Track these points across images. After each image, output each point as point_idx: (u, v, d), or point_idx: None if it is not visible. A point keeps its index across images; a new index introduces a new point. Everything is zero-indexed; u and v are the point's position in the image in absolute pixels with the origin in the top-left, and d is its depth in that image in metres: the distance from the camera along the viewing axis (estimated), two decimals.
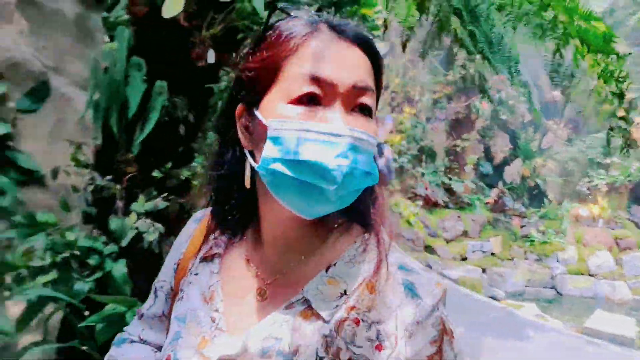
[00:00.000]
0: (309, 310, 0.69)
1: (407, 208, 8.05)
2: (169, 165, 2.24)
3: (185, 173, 2.27)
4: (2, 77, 2.62)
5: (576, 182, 10.13)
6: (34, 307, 2.06)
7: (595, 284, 7.99)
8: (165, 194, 2.25)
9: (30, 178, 2.63)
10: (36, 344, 2.05)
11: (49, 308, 2.10)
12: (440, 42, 2.68)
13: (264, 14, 2.08)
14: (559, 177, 10.17)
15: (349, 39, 0.69)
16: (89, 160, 2.42)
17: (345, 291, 0.69)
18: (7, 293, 2.17)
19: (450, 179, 8.96)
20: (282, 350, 0.67)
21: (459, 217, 8.46)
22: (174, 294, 0.87)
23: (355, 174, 0.65)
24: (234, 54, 2.33)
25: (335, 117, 0.65)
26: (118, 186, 2.20)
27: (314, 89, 0.66)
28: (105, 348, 1.01)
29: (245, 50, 0.78)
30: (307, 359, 0.66)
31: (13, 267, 2.29)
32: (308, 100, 0.66)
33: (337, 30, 0.69)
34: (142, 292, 1.70)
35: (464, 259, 7.79)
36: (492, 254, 8.23)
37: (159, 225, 2.19)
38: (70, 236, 2.17)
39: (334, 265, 0.72)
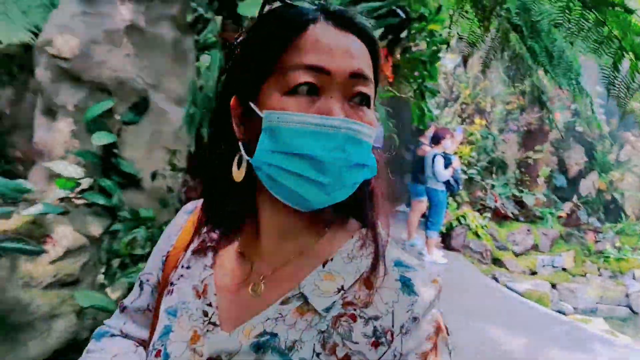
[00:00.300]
0: (306, 306, 0.68)
1: (475, 220, 7.97)
2: None
3: None
4: (111, 93, 3.05)
5: None
6: None
7: None
8: None
9: (131, 181, 3.03)
10: None
11: None
12: (502, 56, 2.83)
13: None
14: (637, 192, 9.67)
15: (347, 28, 0.68)
16: (182, 165, 2.77)
17: (342, 287, 0.69)
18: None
19: (521, 191, 8.77)
20: (278, 346, 0.66)
21: (529, 230, 8.26)
22: (161, 287, 0.84)
23: (352, 167, 0.65)
24: None
25: (332, 108, 0.64)
26: None
27: (310, 79, 0.64)
28: None
29: (239, 39, 0.74)
30: (303, 355, 0.65)
31: (118, 255, 2.68)
32: (304, 90, 0.65)
33: (334, 19, 0.68)
34: None
35: (534, 273, 7.59)
36: (564, 269, 7.96)
37: None
38: None
39: (331, 260, 0.71)
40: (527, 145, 9.19)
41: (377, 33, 2.66)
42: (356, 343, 0.65)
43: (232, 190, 0.76)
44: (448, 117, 9.61)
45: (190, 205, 0.91)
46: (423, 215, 7.67)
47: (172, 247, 0.85)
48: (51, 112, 3.09)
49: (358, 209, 0.75)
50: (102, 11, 2.94)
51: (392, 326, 0.66)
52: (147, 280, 0.89)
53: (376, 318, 0.66)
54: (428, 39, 4.16)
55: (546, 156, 9.25)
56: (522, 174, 9.16)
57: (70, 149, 3.02)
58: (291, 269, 0.72)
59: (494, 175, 9.16)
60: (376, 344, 0.65)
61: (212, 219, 0.80)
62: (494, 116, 9.62)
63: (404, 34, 4.07)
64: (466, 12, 2.62)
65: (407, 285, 0.69)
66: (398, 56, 4.11)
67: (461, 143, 9.06)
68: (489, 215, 8.44)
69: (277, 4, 0.72)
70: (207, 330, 0.71)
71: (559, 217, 8.92)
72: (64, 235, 2.72)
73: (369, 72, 0.68)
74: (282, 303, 0.69)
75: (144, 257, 2.47)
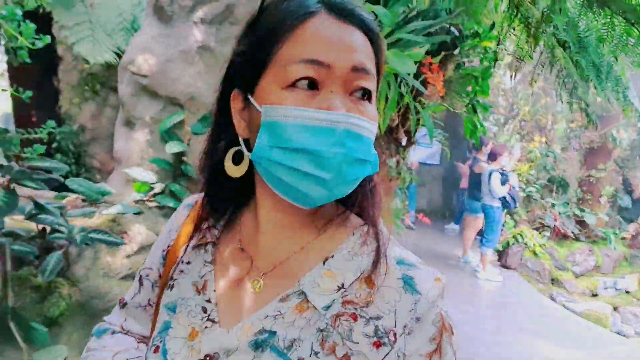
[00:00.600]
0: (305, 303, 0.67)
1: (533, 238, 7.81)
2: None
3: None
4: (183, 107, 3.36)
5: None
6: None
7: None
8: None
9: (197, 186, 3.31)
10: None
11: None
12: (551, 71, 2.91)
13: (386, 52, 2.50)
14: None
15: (349, 21, 0.66)
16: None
17: (342, 285, 0.67)
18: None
19: (582, 210, 8.51)
20: (276, 344, 0.64)
21: (590, 250, 7.98)
22: (162, 283, 0.83)
23: (353, 162, 0.64)
24: None
25: (332, 103, 0.63)
26: None
27: (310, 73, 0.63)
28: None
29: (241, 32, 0.73)
30: (302, 354, 0.64)
31: None
32: (304, 85, 0.64)
33: (336, 11, 0.66)
34: None
35: (595, 295, 7.33)
36: (627, 291, 7.65)
37: None
38: None
39: (332, 257, 0.70)
40: (589, 163, 8.93)
41: (425, 49, 2.82)
42: (356, 343, 0.64)
43: (232, 186, 0.75)
44: (507, 135, 9.51)
45: (190, 199, 0.89)
46: (479, 233, 7.64)
47: (172, 241, 0.84)
48: (130, 124, 3.44)
49: (359, 205, 0.74)
50: (178, 33, 3.28)
51: (395, 326, 0.64)
52: (147, 276, 0.88)
53: (378, 318, 0.65)
54: (481, 55, 4.26)
55: (609, 175, 8.93)
56: (584, 192, 8.88)
57: (146, 157, 3.35)
58: (291, 265, 0.71)
59: (554, 194, 8.94)
60: (378, 344, 0.63)
61: (213, 214, 0.80)
62: (555, 134, 9.42)
63: (456, 51, 4.19)
64: (513, 29, 2.73)
65: (409, 284, 0.67)
66: (451, 72, 4.24)
67: (519, 160, 8.94)
68: (547, 234, 8.24)
69: None
70: (206, 327, 0.70)
71: (623, 238, 8.56)
72: (138, 232, 3.03)
73: (370, 66, 0.67)
74: (281, 300, 0.68)
75: None
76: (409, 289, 0.66)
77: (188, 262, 0.79)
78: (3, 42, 1.58)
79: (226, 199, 0.78)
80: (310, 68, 0.63)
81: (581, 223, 8.47)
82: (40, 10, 3.84)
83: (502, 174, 7.02)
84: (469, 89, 4.09)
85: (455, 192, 10.43)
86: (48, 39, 1.94)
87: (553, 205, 8.63)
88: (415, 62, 2.58)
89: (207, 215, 0.80)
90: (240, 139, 0.71)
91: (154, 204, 3.32)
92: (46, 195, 3.18)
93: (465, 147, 10.01)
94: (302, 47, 0.64)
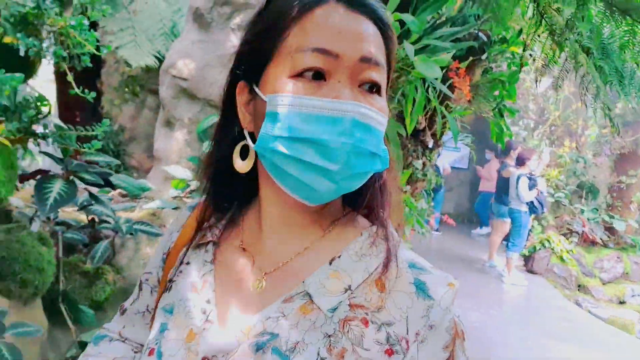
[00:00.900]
0: (310, 305, 0.64)
1: (561, 244, 7.77)
2: None
3: None
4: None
5: None
6: None
7: None
8: None
9: None
10: None
11: None
12: (575, 77, 2.98)
13: (414, 57, 2.62)
14: None
15: (358, 10, 0.64)
16: None
17: (349, 286, 0.65)
18: None
19: (612, 217, 8.41)
20: (279, 346, 0.61)
21: (619, 257, 7.87)
22: (161, 286, 0.80)
23: (362, 153, 0.61)
24: None
25: (340, 92, 0.60)
26: None
27: (318, 63, 0.61)
28: None
29: (248, 21, 0.71)
30: (306, 358, 0.61)
31: None
32: (311, 74, 0.61)
33: (345, 0, 0.64)
34: None
35: (622, 302, 7.24)
36: None
37: None
38: None
39: (338, 257, 0.67)
40: (619, 169, 8.81)
41: (451, 55, 2.93)
42: (367, 350, 0.61)
43: (236, 183, 0.74)
44: (536, 140, 9.46)
45: (193, 202, 0.87)
46: (506, 237, 7.65)
47: (173, 244, 0.82)
48: (170, 124, 3.64)
49: (368, 205, 0.71)
50: (216, 39, 3.46)
51: (407, 333, 0.62)
52: (147, 280, 0.86)
53: (389, 324, 0.62)
54: (509, 60, 4.34)
55: None
56: (614, 199, 8.77)
57: (184, 155, 3.54)
58: (295, 266, 0.69)
59: (583, 200, 8.86)
60: (390, 352, 0.61)
61: (215, 213, 0.78)
62: (586, 139, 9.33)
63: (484, 56, 4.28)
64: (538, 35, 2.82)
65: (422, 289, 0.64)
66: (478, 76, 4.32)
67: (548, 165, 8.89)
68: (575, 240, 8.18)
69: None
70: (204, 328, 0.67)
71: None
72: None
73: (380, 57, 0.64)
74: (285, 301, 0.65)
75: None
76: (422, 294, 0.64)
77: (188, 263, 0.76)
78: (53, 49, 1.76)
79: (230, 197, 0.77)
80: (318, 57, 0.61)
81: (610, 229, 8.36)
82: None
83: (530, 178, 7.02)
84: (496, 93, 4.16)
85: (476, 196, 10.42)
86: (112, 46, 2.12)
87: (582, 211, 8.55)
88: (442, 67, 2.69)
89: (209, 215, 0.78)
90: (246, 132, 0.69)
91: (190, 200, 3.50)
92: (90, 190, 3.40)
93: (491, 151, 10.00)
94: (310, 35, 0.62)
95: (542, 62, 3.04)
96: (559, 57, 2.84)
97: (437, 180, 4.22)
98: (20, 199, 2.46)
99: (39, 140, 1.82)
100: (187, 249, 0.77)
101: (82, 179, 1.98)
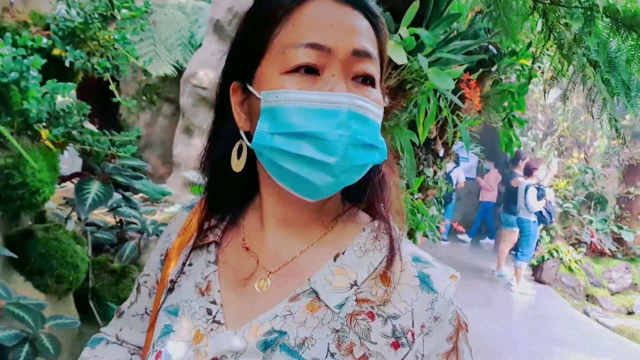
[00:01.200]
0: (317, 302, 0.64)
1: (569, 254, 7.82)
2: None
3: None
4: None
5: None
6: None
7: None
8: None
9: None
10: None
11: None
12: (583, 89, 3.09)
13: (427, 70, 2.73)
14: None
15: (349, 3, 0.64)
16: None
17: (355, 282, 0.65)
18: None
19: (620, 227, 8.44)
20: (287, 344, 0.62)
21: (627, 268, 7.90)
22: (160, 287, 0.80)
23: (359, 145, 0.60)
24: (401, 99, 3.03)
25: (334, 85, 0.60)
26: None
27: (310, 59, 0.61)
28: None
29: (239, 21, 0.71)
30: (315, 354, 0.61)
31: None
32: (304, 70, 0.61)
33: None
34: None
35: (630, 312, 7.26)
36: None
37: None
38: None
39: (343, 253, 0.68)
40: (628, 180, 8.86)
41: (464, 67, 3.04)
42: (375, 343, 0.62)
43: (235, 183, 0.73)
44: (545, 150, 9.53)
45: (189, 202, 0.87)
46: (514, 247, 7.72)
47: (171, 244, 0.81)
48: (189, 131, 3.77)
49: (368, 200, 0.71)
50: None
51: (413, 326, 0.63)
52: (145, 282, 0.85)
53: (395, 317, 0.63)
54: (518, 72, 4.46)
55: None
56: (622, 210, 8.80)
57: None
58: (299, 263, 0.69)
59: (591, 210, 8.90)
60: (397, 345, 0.62)
61: (215, 214, 0.77)
62: (595, 150, 9.39)
63: (494, 68, 4.39)
64: (547, 49, 2.93)
65: (426, 282, 0.65)
66: (488, 88, 4.44)
67: (557, 176, 8.95)
68: (584, 250, 8.22)
69: None
70: (211, 329, 0.67)
71: None
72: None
73: (373, 49, 0.65)
74: (291, 299, 0.65)
75: None
76: (426, 287, 0.65)
77: (190, 264, 0.76)
78: (97, 61, 1.89)
79: (229, 197, 0.76)
80: (311, 53, 0.61)
81: (619, 240, 8.39)
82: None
83: (538, 188, 7.10)
84: (506, 104, 4.27)
85: (478, 206, 10.50)
86: (153, 59, 2.27)
87: (590, 222, 8.59)
88: (454, 79, 2.80)
89: (209, 215, 0.77)
90: (242, 132, 0.69)
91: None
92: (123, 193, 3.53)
93: (503, 161, 10.08)
94: (301, 30, 0.62)
95: (550, 74, 3.15)
96: (567, 70, 2.95)
97: (447, 188, 4.31)
98: (50, 200, 2.60)
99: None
100: (188, 250, 0.77)
101: (115, 182, 2.11)
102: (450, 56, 2.92)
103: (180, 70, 4.63)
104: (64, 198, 2.65)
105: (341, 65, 0.61)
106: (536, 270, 8.01)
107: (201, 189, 0.78)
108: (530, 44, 3.98)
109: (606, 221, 8.61)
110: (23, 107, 1.63)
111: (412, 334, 0.62)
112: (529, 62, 4.28)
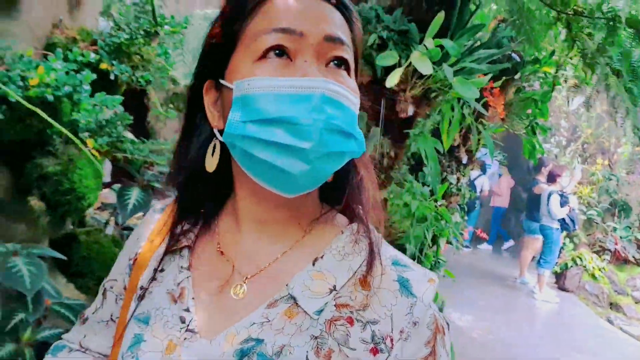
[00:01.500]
0: (295, 308, 0.63)
1: (593, 261, 7.74)
2: None
3: (384, 194, 3.08)
4: None
5: None
6: None
7: None
8: None
9: None
10: None
11: None
12: (607, 96, 3.12)
13: (452, 79, 2.79)
14: None
15: None
16: None
17: (334, 286, 0.64)
18: None
19: None
20: (265, 352, 0.60)
21: None
22: (128, 293, 0.76)
23: (334, 130, 0.59)
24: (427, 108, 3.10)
25: (307, 70, 0.59)
26: None
27: (281, 41, 0.60)
28: None
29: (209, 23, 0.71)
30: None
31: None
32: (276, 54, 0.60)
33: None
34: None
35: None
36: None
37: None
38: None
39: (321, 258, 0.66)
40: None
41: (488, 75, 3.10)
42: (354, 349, 0.61)
43: (208, 184, 0.71)
44: (568, 157, 9.47)
45: (159, 204, 0.83)
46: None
47: (141, 248, 0.77)
48: None
49: (347, 202, 0.70)
50: None
51: (392, 331, 0.62)
52: (111, 287, 0.81)
53: (374, 322, 0.62)
54: (541, 80, 4.49)
55: None
56: None
57: None
58: (277, 268, 0.67)
59: (615, 218, 8.80)
60: (375, 351, 0.61)
61: (188, 217, 0.74)
62: (619, 157, 9.29)
63: (517, 76, 4.43)
64: (571, 58, 2.97)
65: (405, 287, 0.65)
66: (511, 95, 4.48)
67: (580, 183, 8.88)
68: (607, 257, 8.13)
69: None
70: (185, 339, 0.64)
71: None
72: None
73: (345, 37, 0.64)
74: (269, 306, 0.63)
75: None
76: (405, 291, 0.64)
77: (161, 270, 0.72)
78: (141, 74, 1.99)
79: (202, 199, 0.73)
80: (281, 37, 0.60)
81: None
82: None
83: (561, 195, 7.06)
84: (529, 111, 4.30)
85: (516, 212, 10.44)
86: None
87: (614, 229, 8.50)
88: (478, 88, 2.86)
89: (181, 218, 0.74)
90: (216, 131, 0.67)
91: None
92: None
93: (525, 167, 10.03)
94: (271, 17, 0.61)
95: (574, 82, 3.19)
96: (590, 78, 2.98)
97: (470, 195, 4.34)
98: None
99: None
100: (159, 255, 0.73)
101: (153, 188, 2.21)
102: (474, 65, 2.99)
103: None
104: (102, 203, 2.77)
105: (314, 51, 0.61)
106: (559, 278, 7.94)
107: None
108: (553, 52, 4.01)
109: (630, 228, 8.50)
110: (72, 118, 1.74)
111: (391, 340, 0.62)
112: (552, 70, 4.31)
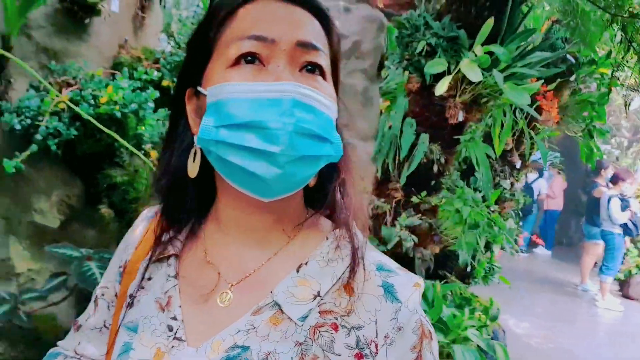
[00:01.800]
0: (280, 315, 0.63)
1: None
2: (424, 194, 3.07)
3: (435, 200, 3.08)
4: None
5: None
6: None
7: None
8: (420, 215, 3.09)
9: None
10: None
11: None
12: None
13: (503, 85, 2.77)
14: None
15: (295, 3, 0.65)
16: (368, 189, 3.41)
17: (318, 292, 0.64)
18: None
19: None
20: (250, 359, 0.61)
21: None
22: (119, 301, 0.77)
23: (305, 134, 0.59)
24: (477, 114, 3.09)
25: (279, 75, 0.60)
26: (388, 206, 3.12)
27: (252, 48, 0.61)
28: None
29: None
30: None
31: None
32: (246, 61, 0.61)
33: None
34: None
35: None
36: None
37: (413, 237, 3.02)
38: None
39: (305, 264, 0.66)
40: None
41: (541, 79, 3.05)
42: (338, 355, 0.61)
43: (192, 192, 0.72)
44: (630, 159, 9.05)
45: (148, 212, 0.83)
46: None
47: (130, 256, 0.78)
48: None
49: (329, 206, 0.70)
50: None
51: (376, 336, 0.62)
52: (103, 295, 0.82)
53: (359, 327, 0.63)
54: (598, 81, 4.36)
55: None
56: None
57: None
58: (262, 274, 0.67)
59: None
60: (360, 356, 0.61)
61: (174, 225, 0.74)
62: None
63: (572, 77, 4.31)
64: (627, 61, 2.89)
65: (390, 292, 0.65)
66: (566, 98, 4.36)
67: None
68: None
69: None
70: (172, 347, 0.64)
71: None
72: None
73: (320, 43, 0.64)
74: (254, 313, 0.64)
75: None
76: (390, 296, 0.64)
77: (149, 278, 0.73)
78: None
79: (187, 207, 0.73)
80: (253, 44, 0.61)
81: None
82: None
83: (622, 199, 6.78)
84: (585, 114, 4.18)
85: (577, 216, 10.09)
86: None
87: None
88: (531, 94, 2.82)
89: (167, 227, 0.74)
90: (196, 138, 0.65)
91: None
92: None
93: (583, 170, 9.67)
94: (245, 25, 0.62)
95: (632, 82, 3.09)
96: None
97: (525, 200, 4.26)
98: None
99: None
100: (148, 264, 0.73)
101: None
102: (526, 71, 2.94)
103: None
104: None
105: (287, 57, 0.61)
106: (623, 285, 7.59)
107: None
108: (610, 53, 3.89)
109: None
110: (138, 132, 1.88)
111: (376, 345, 0.62)
112: (608, 71, 4.18)
